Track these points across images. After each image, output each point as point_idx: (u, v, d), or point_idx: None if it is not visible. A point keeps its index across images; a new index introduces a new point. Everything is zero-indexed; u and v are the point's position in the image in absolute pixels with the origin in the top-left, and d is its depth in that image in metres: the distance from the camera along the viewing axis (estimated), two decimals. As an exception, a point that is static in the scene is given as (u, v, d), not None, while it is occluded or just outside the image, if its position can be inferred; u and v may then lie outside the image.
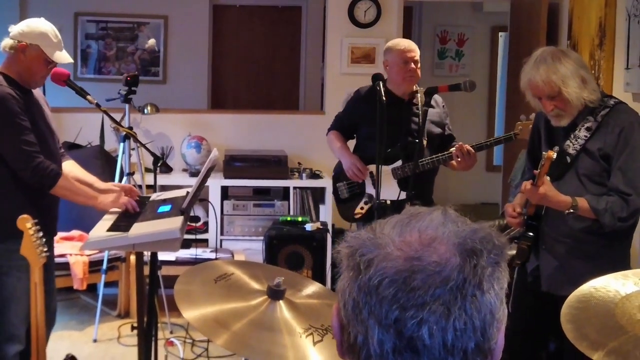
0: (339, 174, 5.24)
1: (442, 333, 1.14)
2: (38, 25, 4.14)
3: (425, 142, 4.89)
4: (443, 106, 5.15)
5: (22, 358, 4.10)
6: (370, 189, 5.02)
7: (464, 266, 1.16)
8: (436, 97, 5.11)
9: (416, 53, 4.97)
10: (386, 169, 4.92)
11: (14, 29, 4.13)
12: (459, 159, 4.68)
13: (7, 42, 4.12)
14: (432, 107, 5.03)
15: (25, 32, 4.09)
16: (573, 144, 3.75)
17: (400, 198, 4.79)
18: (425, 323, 1.13)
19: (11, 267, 4.02)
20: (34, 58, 4.09)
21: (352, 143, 5.33)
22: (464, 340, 1.15)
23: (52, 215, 4.21)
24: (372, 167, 5.00)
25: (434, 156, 4.79)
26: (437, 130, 5.04)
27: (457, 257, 1.16)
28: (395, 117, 4.83)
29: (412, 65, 4.91)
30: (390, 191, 4.80)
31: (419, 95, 4.97)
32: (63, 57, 4.18)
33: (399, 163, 4.90)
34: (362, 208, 5.05)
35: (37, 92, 4.31)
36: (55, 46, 4.14)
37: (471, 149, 4.66)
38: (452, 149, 4.75)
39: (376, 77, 4.69)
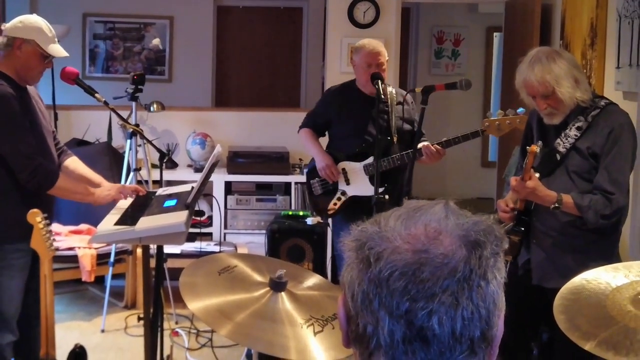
0: (312, 171, 5.20)
1: (451, 322, 1.14)
2: (32, 20, 4.05)
3: (395, 139, 4.89)
4: (412, 103, 5.12)
5: (30, 346, 4.11)
6: (342, 186, 5.01)
7: (469, 257, 1.17)
8: (404, 93, 5.10)
9: (382, 56, 4.90)
10: (358, 166, 4.91)
11: (8, 26, 4.04)
12: (427, 155, 4.67)
13: (1, 39, 4.02)
14: (400, 104, 5.01)
15: (20, 28, 4.00)
16: (563, 142, 3.75)
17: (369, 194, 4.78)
18: (435, 313, 1.14)
19: (4, 266, 4.00)
20: (30, 53, 4.00)
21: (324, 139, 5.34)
22: (471, 329, 1.16)
23: (48, 215, 4.18)
24: (343, 165, 4.98)
25: (403, 153, 4.76)
26: (408, 127, 5.02)
27: (462, 249, 1.17)
28: (365, 115, 4.83)
29: (375, 68, 4.85)
30: (364, 188, 4.79)
31: (389, 92, 4.92)
32: (58, 50, 4.09)
33: (370, 160, 4.87)
34: (335, 204, 5.03)
35: (31, 88, 4.22)
36: (50, 40, 4.06)
37: (439, 147, 4.65)
38: (420, 145, 4.71)
39: (375, 77, 4.69)
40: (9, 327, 4.07)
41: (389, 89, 4.98)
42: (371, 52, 4.89)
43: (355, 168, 4.93)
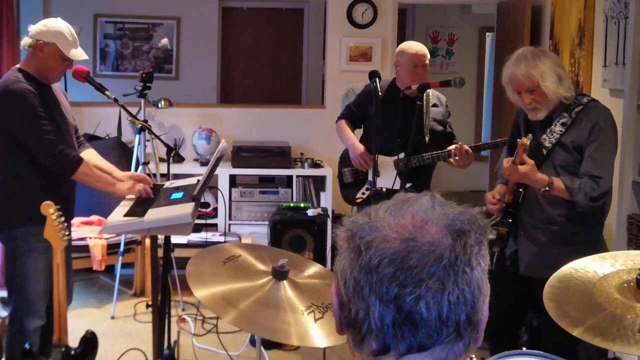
0: (344, 160, 5.21)
1: (438, 307, 1.16)
2: (54, 24, 4.12)
3: (427, 139, 4.89)
4: (446, 106, 5.12)
5: (43, 332, 4.11)
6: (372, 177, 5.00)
7: (454, 245, 1.18)
8: (441, 97, 5.11)
9: (426, 58, 4.93)
10: (389, 160, 4.90)
11: (33, 29, 4.12)
12: (457, 157, 4.65)
13: (27, 40, 4.10)
14: (435, 106, 5.02)
15: (42, 31, 4.07)
16: (549, 138, 3.76)
17: (394, 187, 4.78)
18: (422, 298, 1.15)
19: (29, 249, 4.03)
20: (50, 55, 4.06)
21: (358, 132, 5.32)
22: (457, 313, 1.17)
23: (69, 200, 4.20)
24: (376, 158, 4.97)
25: (434, 153, 4.76)
26: (440, 128, 5.02)
27: (448, 237, 1.18)
28: (402, 113, 4.80)
29: (421, 69, 4.88)
30: (391, 180, 4.77)
31: (425, 95, 4.92)
32: (78, 54, 4.16)
33: (401, 155, 4.85)
34: (363, 194, 5.05)
35: (57, 85, 4.30)
36: (71, 44, 4.11)
37: (469, 149, 4.63)
38: (451, 147, 4.73)
39: (373, 74, 4.67)
40: (35, 309, 4.07)
41: (428, 91, 4.97)
42: (417, 53, 4.90)
43: (386, 161, 4.92)
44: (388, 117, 4.94)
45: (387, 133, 4.94)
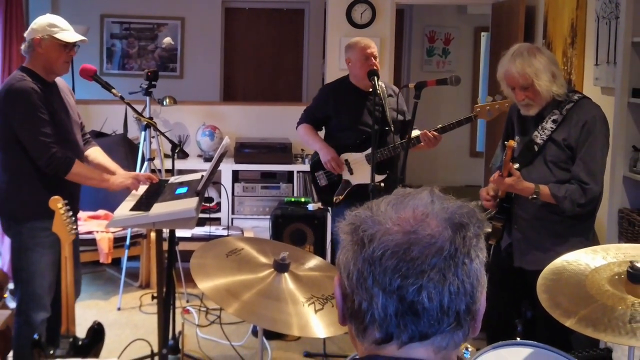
0: (316, 164, 5.12)
1: (439, 297, 1.17)
2: (42, 19, 4.10)
3: (393, 128, 4.88)
4: (399, 95, 5.10)
5: (50, 324, 4.11)
6: (346, 176, 4.96)
7: (454, 237, 1.19)
8: (394, 87, 5.11)
9: (375, 49, 4.93)
10: (360, 156, 4.88)
11: (25, 34, 4.12)
12: (427, 141, 4.64)
13: (24, 45, 4.09)
14: (391, 96, 5.01)
15: (34, 30, 4.05)
16: (540, 134, 3.76)
17: (378, 181, 4.74)
18: (424, 289, 1.16)
19: (36, 244, 4.01)
20: (50, 47, 4.03)
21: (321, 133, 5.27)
22: (457, 303, 1.18)
23: (74, 196, 4.18)
24: (346, 156, 4.93)
25: (403, 141, 4.72)
26: (400, 117, 5.00)
27: (448, 229, 1.19)
28: (360, 108, 4.82)
29: (373, 60, 4.86)
30: (367, 176, 4.71)
31: (379, 86, 4.91)
32: (74, 36, 4.11)
33: (371, 150, 4.81)
34: (340, 194, 4.99)
35: (62, 83, 4.26)
36: (65, 30, 4.09)
37: (436, 133, 4.62)
38: (416, 133, 4.69)
39: (372, 73, 4.67)
40: (42, 303, 4.07)
41: (379, 83, 4.98)
42: (366, 45, 4.90)
43: (357, 158, 4.90)
44: (350, 115, 4.94)
45: (348, 130, 4.94)
